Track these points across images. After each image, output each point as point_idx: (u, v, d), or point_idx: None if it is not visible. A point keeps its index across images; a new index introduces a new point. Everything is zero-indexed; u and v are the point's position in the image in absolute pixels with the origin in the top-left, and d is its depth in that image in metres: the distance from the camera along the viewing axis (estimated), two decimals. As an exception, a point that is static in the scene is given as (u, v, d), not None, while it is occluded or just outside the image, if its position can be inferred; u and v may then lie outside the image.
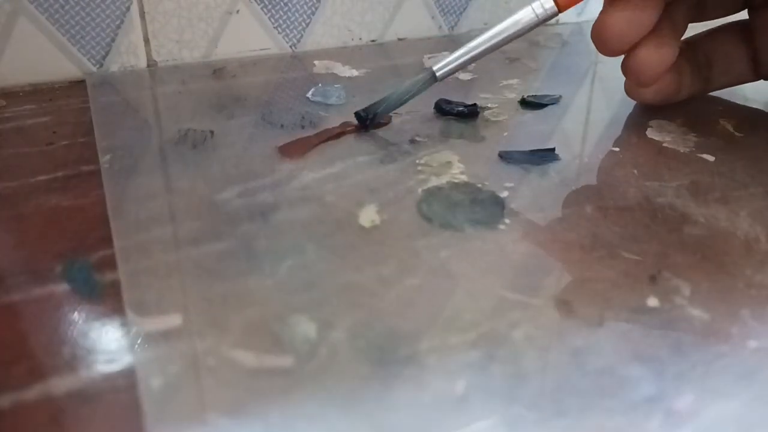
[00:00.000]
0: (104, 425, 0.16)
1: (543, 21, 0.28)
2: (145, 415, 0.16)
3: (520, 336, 0.18)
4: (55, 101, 0.34)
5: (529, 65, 0.40)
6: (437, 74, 0.29)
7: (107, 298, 0.20)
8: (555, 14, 0.28)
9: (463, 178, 0.26)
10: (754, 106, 0.34)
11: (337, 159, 0.28)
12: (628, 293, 0.20)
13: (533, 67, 0.40)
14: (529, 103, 0.34)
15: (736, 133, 0.31)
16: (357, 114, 0.30)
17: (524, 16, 0.28)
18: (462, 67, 0.30)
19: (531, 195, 0.25)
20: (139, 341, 0.18)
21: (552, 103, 0.34)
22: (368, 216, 0.24)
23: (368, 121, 0.30)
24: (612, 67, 0.40)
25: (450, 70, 0.29)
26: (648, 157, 0.29)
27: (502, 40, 0.29)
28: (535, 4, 0.28)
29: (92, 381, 0.17)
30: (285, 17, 0.40)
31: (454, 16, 0.45)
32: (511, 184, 0.26)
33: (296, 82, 0.36)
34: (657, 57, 0.28)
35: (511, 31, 0.28)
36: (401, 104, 0.30)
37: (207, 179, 0.26)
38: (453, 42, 0.44)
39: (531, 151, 0.28)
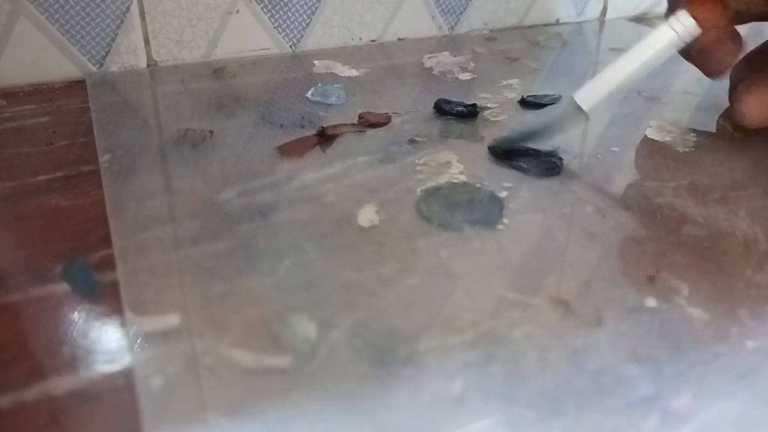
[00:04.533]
0: (104, 425, 0.16)
1: (684, 41, 0.27)
2: (144, 415, 0.16)
3: (519, 336, 0.18)
4: (55, 101, 0.34)
5: (529, 65, 0.40)
6: (583, 106, 0.27)
7: (107, 298, 0.20)
8: (695, 34, 0.26)
9: (462, 178, 0.26)
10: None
11: (337, 159, 0.28)
12: (627, 293, 0.20)
13: (533, 67, 0.40)
14: (528, 103, 0.34)
15: (736, 133, 0.31)
16: (492, 149, 0.28)
17: (663, 36, 0.26)
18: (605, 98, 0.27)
19: (530, 195, 0.25)
20: (138, 341, 0.18)
21: (552, 103, 0.34)
22: (367, 216, 0.24)
23: (498, 151, 0.28)
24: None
25: (596, 102, 0.27)
26: (647, 157, 0.29)
27: (647, 67, 0.27)
28: (673, 23, 0.26)
29: (92, 381, 0.17)
30: (285, 17, 0.40)
31: (454, 16, 0.45)
32: (510, 184, 0.26)
33: (296, 82, 0.36)
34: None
35: (655, 56, 0.26)
36: (539, 139, 0.28)
37: (206, 179, 0.26)
38: (453, 42, 0.44)
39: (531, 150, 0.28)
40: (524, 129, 0.28)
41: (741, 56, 0.30)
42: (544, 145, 0.29)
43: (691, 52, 0.29)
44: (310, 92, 0.34)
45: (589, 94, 0.27)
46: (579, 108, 0.26)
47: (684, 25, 0.26)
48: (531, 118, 0.32)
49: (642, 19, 0.52)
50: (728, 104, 0.34)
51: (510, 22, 0.47)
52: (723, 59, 0.29)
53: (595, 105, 0.27)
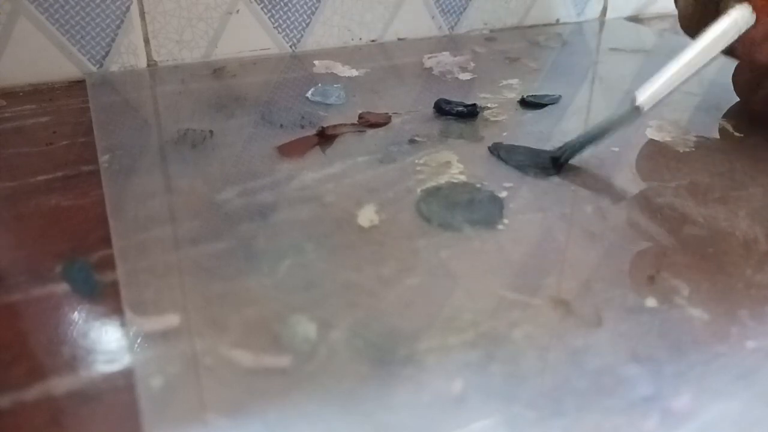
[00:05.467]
0: (104, 425, 0.16)
1: (741, 30, 0.27)
2: (144, 415, 0.16)
3: (519, 336, 0.18)
4: (55, 101, 0.34)
5: (529, 65, 0.40)
6: (642, 107, 0.26)
7: (107, 298, 0.20)
8: (751, 21, 0.27)
9: (462, 178, 0.26)
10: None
11: (337, 159, 0.28)
12: (627, 293, 0.20)
13: (533, 67, 0.40)
14: (528, 103, 0.34)
15: (736, 133, 0.31)
16: (552, 157, 0.28)
17: (721, 24, 0.27)
18: (667, 96, 0.26)
19: (530, 195, 0.25)
20: (138, 341, 0.18)
21: (552, 103, 0.34)
22: (367, 216, 0.24)
23: (562, 161, 0.27)
24: (612, 67, 0.40)
25: (656, 102, 0.26)
26: (648, 157, 0.29)
27: (707, 61, 0.26)
28: (734, 15, 0.27)
29: (92, 381, 0.17)
30: (285, 17, 0.40)
31: (454, 16, 0.45)
32: (510, 184, 0.26)
33: (296, 82, 0.36)
34: None
35: (712, 44, 0.26)
36: (598, 141, 0.27)
37: (206, 179, 0.26)
38: (453, 42, 0.44)
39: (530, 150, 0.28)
40: (584, 134, 0.27)
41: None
42: (545, 145, 0.29)
43: (737, 45, 0.29)
44: (310, 92, 0.34)
45: (648, 92, 0.26)
46: (637, 107, 0.26)
47: (741, 14, 0.27)
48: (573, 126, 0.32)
49: (642, 19, 0.52)
50: (729, 105, 0.34)
51: (510, 22, 0.47)
52: None
53: (656, 101, 0.26)
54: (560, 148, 0.28)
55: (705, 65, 0.27)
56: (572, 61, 0.41)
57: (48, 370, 0.17)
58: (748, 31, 0.27)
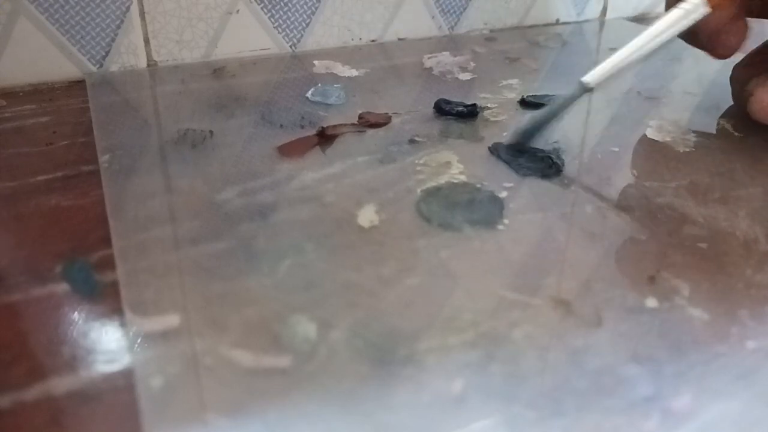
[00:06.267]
0: (104, 425, 0.16)
1: (694, 20, 0.27)
2: (144, 415, 0.16)
3: (519, 336, 0.18)
4: (55, 101, 0.34)
5: (529, 65, 0.40)
6: (588, 84, 0.27)
7: (107, 298, 0.20)
8: (705, 13, 0.28)
9: (462, 178, 0.26)
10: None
11: (337, 159, 0.28)
12: (627, 293, 0.20)
13: (533, 67, 0.40)
14: (528, 103, 0.34)
15: (736, 133, 0.31)
16: (511, 146, 0.29)
17: (673, 13, 0.27)
18: (614, 77, 0.27)
19: (530, 195, 0.25)
20: (138, 341, 0.18)
21: (552, 103, 0.34)
22: (367, 216, 0.24)
23: (525, 146, 0.28)
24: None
25: (604, 80, 0.27)
26: (647, 157, 0.29)
27: (656, 45, 0.27)
28: (686, 6, 0.27)
29: (92, 381, 0.17)
30: (285, 17, 0.40)
31: (454, 16, 0.45)
32: (511, 184, 0.26)
33: (296, 82, 0.36)
34: None
35: (665, 34, 0.27)
36: (551, 122, 0.28)
37: (206, 179, 0.26)
38: (453, 42, 0.44)
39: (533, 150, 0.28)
40: (533, 118, 0.28)
41: (744, 48, 0.31)
42: (545, 146, 0.29)
43: (699, 35, 0.30)
44: (310, 92, 0.34)
45: (595, 72, 0.27)
46: (585, 87, 0.27)
47: (693, 5, 0.27)
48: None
49: (642, 19, 0.52)
50: (729, 105, 0.34)
51: (510, 22, 0.47)
52: (730, 42, 0.30)
53: (602, 79, 0.27)
54: (516, 134, 0.29)
55: (654, 50, 0.27)
56: (572, 61, 0.41)
57: (48, 370, 0.17)
58: (707, 22, 0.28)
